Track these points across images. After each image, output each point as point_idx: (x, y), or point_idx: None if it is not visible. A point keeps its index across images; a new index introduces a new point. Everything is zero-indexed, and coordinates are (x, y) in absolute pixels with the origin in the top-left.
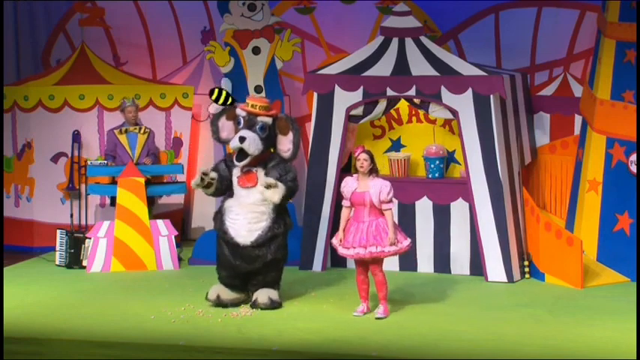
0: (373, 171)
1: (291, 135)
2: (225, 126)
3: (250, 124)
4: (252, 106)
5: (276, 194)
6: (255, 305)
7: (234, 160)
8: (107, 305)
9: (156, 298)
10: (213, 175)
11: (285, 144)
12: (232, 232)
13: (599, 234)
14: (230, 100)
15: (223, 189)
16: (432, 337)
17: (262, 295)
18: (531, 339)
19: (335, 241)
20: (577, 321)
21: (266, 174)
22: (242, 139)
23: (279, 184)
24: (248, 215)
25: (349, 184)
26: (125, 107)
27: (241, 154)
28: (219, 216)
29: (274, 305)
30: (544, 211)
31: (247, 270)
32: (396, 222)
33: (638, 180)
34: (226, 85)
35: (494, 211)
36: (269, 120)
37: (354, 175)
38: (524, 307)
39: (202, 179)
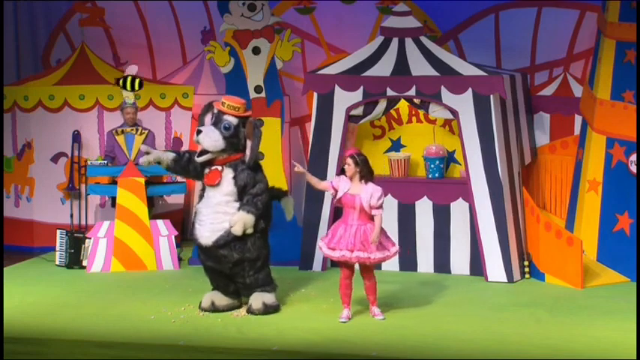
0: (364, 176)
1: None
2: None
3: (217, 121)
4: (221, 103)
5: (239, 227)
6: (250, 312)
7: (195, 156)
8: (107, 305)
9: (156, 298)
10: (161, 155)
11: (247, 149)
12: (197, 233)
13: (599, 234)
14: (138, 81)
15: (177, 170)
16: (432, 337)
17: (256, 300)
18: (531, 339)
19: (321, 242)
20: (577, 321)
21: (234, 177)
22: (198, 132)
23: (242, 216)
24: (211, 216)
25: (342, 183)
26: (124, 107)
27: (203, 149)
28: (193, 219)
29: (269, 310)
30: (544, 211)
31: (219, 270)
32: (396, 224)
33: (638, 180)
34: (131, 70)
35: (494, 211)
36: (234, 120)
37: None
38: (524, 307)
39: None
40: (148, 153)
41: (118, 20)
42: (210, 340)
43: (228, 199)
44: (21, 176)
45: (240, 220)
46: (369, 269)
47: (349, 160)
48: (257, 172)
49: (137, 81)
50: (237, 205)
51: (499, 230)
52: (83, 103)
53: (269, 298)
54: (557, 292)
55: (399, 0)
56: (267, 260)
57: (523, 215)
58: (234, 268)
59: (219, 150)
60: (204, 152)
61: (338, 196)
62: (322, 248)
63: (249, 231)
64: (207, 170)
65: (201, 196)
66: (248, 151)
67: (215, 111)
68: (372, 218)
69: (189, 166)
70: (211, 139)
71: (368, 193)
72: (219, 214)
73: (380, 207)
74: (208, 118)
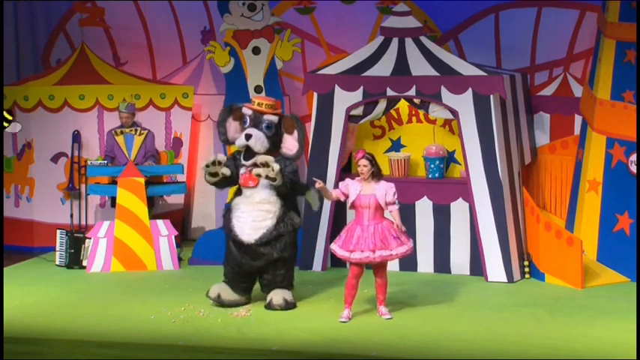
0: (376, 175)
1: (296, 134)
2: (232, 126)
3: (256, 123)
4: (258, 104)
5: (268, 158)
6: (270, 306)
7: (242, 159)
8: (107, 305)
9: (156, 298)
10: (226, 170)
11: (290, 142)
12: (237, 229)
13: (599, 234)
14: (6, 113)
15: (225, 184)
16: (432, 337)
17: (277, 296)
18: (531, 339)
19: (334, 246)
20: (577, 321)
21: None
22: (248, 137)
23: (275, 165)
24: (253, 213)
25: (352, 186)
26: (120, 112)
27: (248, 152)
28: (227, 214)
29: (289, 306)
30: (544, 211)
31: (253, 267)
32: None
33: (638, 180)
34: None
35: (494, 211)
36: (275, 118)
37: (356, 178)
38: (524, 307)
39: (214, 163)
40: (219, 162)
41: (118, 20)
42: (210, 340)
43: (269, 193)
44: (21, 176)
45: (273, 163)
46: (383, 267)
47: (365, 162)
48: (287, 159)
49: (5, 113)
50: (279, 198)
51: (499, 230)
52: (83, 103)
53: (289, 295)
54: (557, 292)
55: (399, 0)
56: (295, 259)
57: (523, 215)
58: (269, 266)
59: (265, 151)
60: (250, 154)
61: (351, 200)
62: (337, 252)
63: (271, 172)
64: (242, 171)
65: (236, 193)
66: (296, 144)
67: (249, 113)
68: (384, 215)
69: (229, 179)
70: (260, 140)
71: (382, 190)
72: (262, 211)
73: (395, 202)
74: (234, 124)
